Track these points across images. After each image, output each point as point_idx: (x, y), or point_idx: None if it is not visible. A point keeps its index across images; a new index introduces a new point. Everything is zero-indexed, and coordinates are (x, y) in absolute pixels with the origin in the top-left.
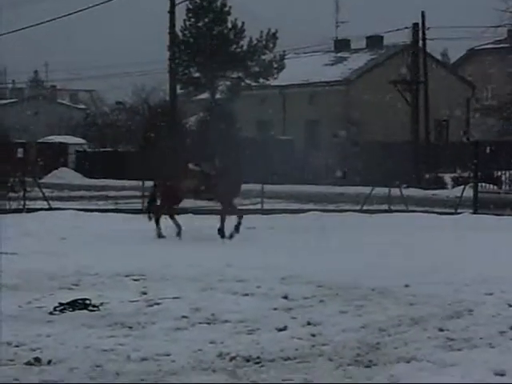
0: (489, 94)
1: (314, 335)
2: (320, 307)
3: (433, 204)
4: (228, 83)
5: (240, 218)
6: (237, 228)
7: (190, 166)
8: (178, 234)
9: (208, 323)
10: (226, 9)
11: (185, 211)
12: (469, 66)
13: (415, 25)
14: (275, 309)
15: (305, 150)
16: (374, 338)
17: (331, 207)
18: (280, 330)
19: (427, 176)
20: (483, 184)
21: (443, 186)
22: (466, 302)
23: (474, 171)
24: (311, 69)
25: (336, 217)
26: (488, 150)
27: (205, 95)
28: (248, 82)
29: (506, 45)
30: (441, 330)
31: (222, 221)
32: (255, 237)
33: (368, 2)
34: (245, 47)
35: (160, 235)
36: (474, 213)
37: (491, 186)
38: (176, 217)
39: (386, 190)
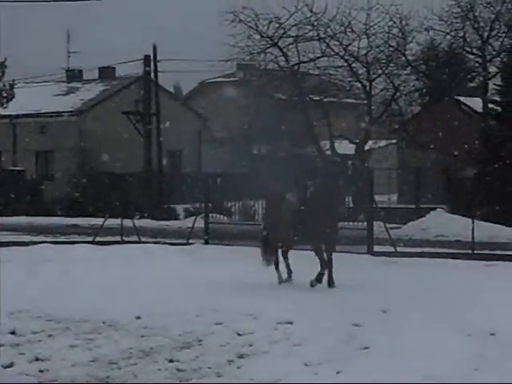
0: (220, 127)
1: (41, 371)
2: (49, 342)
3: (165, 235)
4: None
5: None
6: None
7: (288, 196)
8: (289, 276)
9: None
10: None
11: None
12: (200, 99)
13: (147, 57)
14: (2, 345)
15: (37, 180)
16: (104, 372)
17: (63, 239)
18: (7, 366)
19: (160, 207)
20: (214, 215)
21: (176, 217)
22: (195, 332)
23: (205, 202)
24: (42, 99)
25: (67, 249)
26: (218, 182)
27: None
28: None
29: (235, 78)
30: (171, 361)
31: (323, 265)
32: None
33: (100, 33)
34: None
35: (281, 280)
36: (206, 243)
37: (222, 216)
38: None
39: (119, 221)
